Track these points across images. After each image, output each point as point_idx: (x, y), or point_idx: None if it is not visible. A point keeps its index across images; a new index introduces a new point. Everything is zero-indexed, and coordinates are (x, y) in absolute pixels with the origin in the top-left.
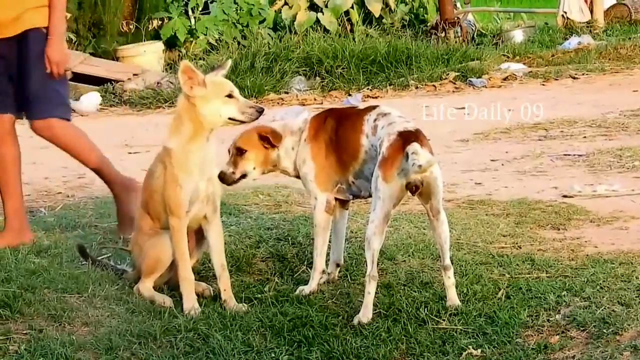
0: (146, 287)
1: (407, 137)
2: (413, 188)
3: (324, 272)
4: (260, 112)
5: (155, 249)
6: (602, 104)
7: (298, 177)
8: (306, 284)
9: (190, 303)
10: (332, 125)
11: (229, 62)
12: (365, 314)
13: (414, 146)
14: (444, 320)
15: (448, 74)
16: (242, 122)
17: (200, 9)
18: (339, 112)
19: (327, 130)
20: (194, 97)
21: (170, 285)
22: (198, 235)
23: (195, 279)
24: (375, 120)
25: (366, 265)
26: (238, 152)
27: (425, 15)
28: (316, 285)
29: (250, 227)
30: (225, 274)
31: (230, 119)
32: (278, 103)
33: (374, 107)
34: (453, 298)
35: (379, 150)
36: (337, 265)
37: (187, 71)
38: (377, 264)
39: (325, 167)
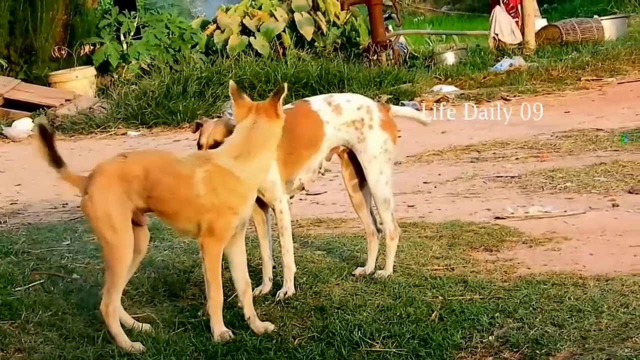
0: None
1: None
2: None
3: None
4: None
5: None
6: (534, 125)
7: None
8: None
9: (220, 328)
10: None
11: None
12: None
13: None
14: (377, 342)
15: (380, 96)
16: None
17: (132, 34)
18: None
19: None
20: None
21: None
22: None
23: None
24: (329, 104)
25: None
26: None
27: (358, 39)
28: (293, 286)
29: (184, 252)
30: (249, 291)
31: None
32: None
33: (305, 100)
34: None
35: (365, 119)
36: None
37: None
38: (311, 287)
39: (285, 168)
